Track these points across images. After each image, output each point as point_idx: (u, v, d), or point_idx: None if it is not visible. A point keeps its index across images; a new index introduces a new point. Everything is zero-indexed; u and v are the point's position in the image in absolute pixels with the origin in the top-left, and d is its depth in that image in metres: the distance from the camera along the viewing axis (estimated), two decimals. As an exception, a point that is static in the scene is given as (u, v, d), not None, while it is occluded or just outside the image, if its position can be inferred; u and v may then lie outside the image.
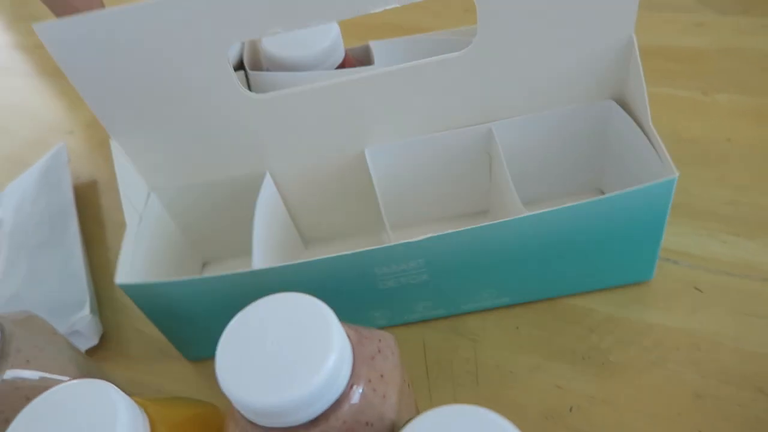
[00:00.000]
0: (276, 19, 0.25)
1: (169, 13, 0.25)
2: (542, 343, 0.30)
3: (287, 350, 0.19)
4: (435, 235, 0.26)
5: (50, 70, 0.62)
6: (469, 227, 0.26)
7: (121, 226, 0.43)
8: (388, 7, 0.25)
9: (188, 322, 0.30)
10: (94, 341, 0.34)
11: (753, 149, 0.36)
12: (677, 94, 0.40)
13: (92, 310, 0.34)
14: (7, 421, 0.23)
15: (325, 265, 0.26)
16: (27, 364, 0.24)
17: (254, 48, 0.36)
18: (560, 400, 0.28)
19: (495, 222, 0.26)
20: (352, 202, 0.34)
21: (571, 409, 0.28)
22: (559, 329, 0.31)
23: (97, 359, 0.34)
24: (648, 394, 0.27)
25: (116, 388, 0.19)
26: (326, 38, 0.33)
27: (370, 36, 0.37)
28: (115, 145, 0.30)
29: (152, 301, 0.28)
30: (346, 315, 0.21)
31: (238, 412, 0.20)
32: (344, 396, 0.19)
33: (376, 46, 0.36)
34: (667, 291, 0.31)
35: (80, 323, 0.33)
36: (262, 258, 0.29)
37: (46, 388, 0.19)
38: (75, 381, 0.19)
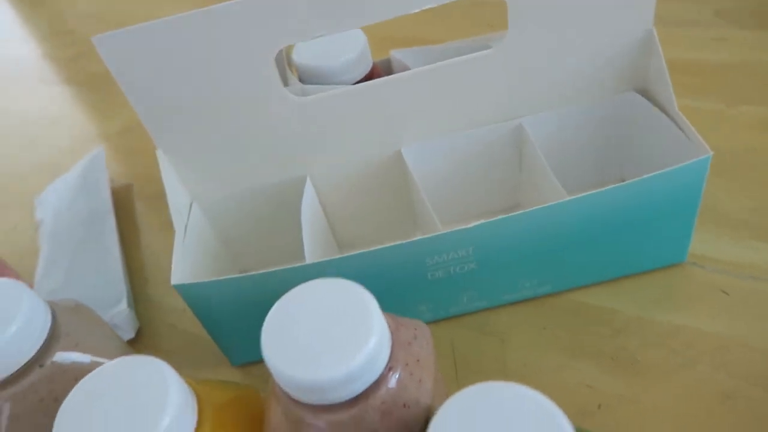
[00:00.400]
0: (321, 22, 0.26)
1: (216, 21, 0.26)
2: (569, 343, 0.31)
3: (330, 331, 0.20)
4: (486, 221, 0.27)
5: (85, 81, 0.65)
6: (518, 212, 0.27)
7: (154, 228, 0.44)
8: (425, 8, 0.26)
9: (238, 322, 0.30)
10: (131, 334, 0.35)
11: (778, 159, 0.37)
12: (700, 107, 0.41)
13: (129, 305, 0.36)
14: (57, 401, 0.24)
15: (380, 255, 0.27)
16: (76, 347, 0.25)
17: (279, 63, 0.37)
18: (589, 398, 0.28)
19: (543, 206, 0.27)
20: (387, 202, 0.35)
21: (599, 407, 0.28)
22: (586, 330, 0.31)
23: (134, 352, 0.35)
24: (677, 395, 0.28)
25: (167, 364, 0.20)
26: (355, 48, 0.34)
27: (388, 49, 0.39)
28: (160, 155, 0.31)
29: (205, 302, 0.29)
30: (394, 310, 0.22)
31: (282, 390, 0.20)
32: (383, 378, 0.20)
33: (398, 55, 0.37)
34: (693, 294, 0.31)
35: (118, 317, 0.34)
36: (312, 255, 0.30)
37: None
38: (128, 357, 0.20)
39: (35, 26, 0.81)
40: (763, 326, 0.29)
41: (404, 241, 0.27)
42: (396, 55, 0.37)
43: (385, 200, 0.35)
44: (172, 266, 0.28)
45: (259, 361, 0.24)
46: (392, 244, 0.27)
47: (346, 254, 0.27)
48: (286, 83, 0.36)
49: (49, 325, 0.24)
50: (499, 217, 0.27)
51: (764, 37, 0.45)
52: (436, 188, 0.35)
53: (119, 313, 0.35)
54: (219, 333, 0.31)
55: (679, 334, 0.30)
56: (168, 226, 0.30)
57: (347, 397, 0.20)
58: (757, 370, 0.28)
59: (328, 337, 0.19)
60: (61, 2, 0.84)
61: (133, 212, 0.46)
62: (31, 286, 0.38)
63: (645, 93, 0.31)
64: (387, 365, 0.20)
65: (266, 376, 0.21)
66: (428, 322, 0.30)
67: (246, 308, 0.29)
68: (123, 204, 0.47)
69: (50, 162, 0.54)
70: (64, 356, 0.24)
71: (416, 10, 0.26)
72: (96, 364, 0.25)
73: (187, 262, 0.30)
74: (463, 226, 0.27)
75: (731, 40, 0.46)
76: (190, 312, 0.30)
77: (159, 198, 0.32)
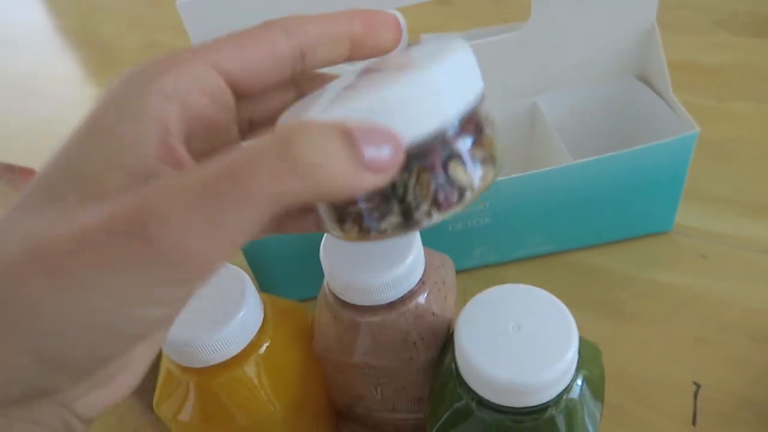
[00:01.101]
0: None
1: None
2: (567, 295, 0.35)
3: (378, 249, 0.24)
4: (503, 178, 0.31)
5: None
6: (534, 171, 0.31)
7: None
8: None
9: (285, 264, 0.35)
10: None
11: (761, 147, 0.41)
12: (696, 102, 0.46)
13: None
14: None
15: None
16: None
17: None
18: (581, 337, 0.33)
19: (551, 168, 0.31)
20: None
21: (590, 345, 0.33)
22: (583, 284, 0.36)
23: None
24: (656, 337, 0.32)
25: (244, 273, 0.25)
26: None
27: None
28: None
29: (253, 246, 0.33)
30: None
31: (332, 294, 0.25)
32: (418, 288, 0.25)
33: (428, 39, 0.42)
34: (677, 257, 0.36)
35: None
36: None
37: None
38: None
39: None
40: (734, 285, 0.34)
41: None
42: (426, 38, 0.42)
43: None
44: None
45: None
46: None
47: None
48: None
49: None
50: (515, 175, 0.31)
51: (757, 44, 0.50)
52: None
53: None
54: (263, 271, 0.36)
55: (662, 289, 0.35)
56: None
57: (388, 301, 0.24)
58: (725, 320, 0.32)
59: (376, 252, 0.24)
60: None
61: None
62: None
63: (645, 79, 0.36)
64: (421, 279, 0.25)
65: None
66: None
67: (293, 250, 0.34)
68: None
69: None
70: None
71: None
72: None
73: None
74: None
75: (727, 46, 0.50)
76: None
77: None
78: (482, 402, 0.21)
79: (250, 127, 0.20)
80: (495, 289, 0.23)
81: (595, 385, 0.22)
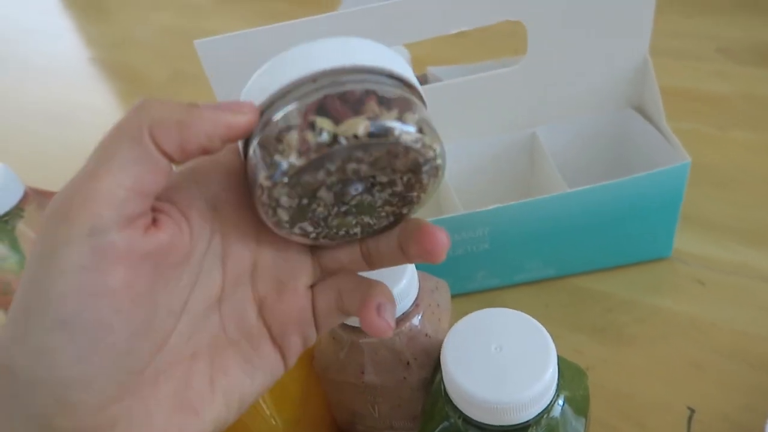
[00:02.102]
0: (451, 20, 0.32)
1: (306, 32, 0.32)
2: (567, 318, 0.36)
3: (373, 275, 0.26)
4: (501, 205, 0.33)
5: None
6: (529, 199, 0.33)
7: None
8: (461, 29, 0.32)
9: None
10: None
11: (760, 176, 0.42)
12: (696, 129, 0.47)
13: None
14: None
15: None
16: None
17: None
18: (579, 360, 0.34)
19: (548, 195, 0.33)
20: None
21: (587, 369, 0.33)
22: (583, 308, 0.37)
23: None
24: (654, 362, 0.33)
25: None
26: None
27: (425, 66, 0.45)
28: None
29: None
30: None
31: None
32: (412, 311, 0.26)
33: (433, 71, 0.44)
34: (676, 283, 0.37)
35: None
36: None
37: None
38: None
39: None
40: (730, 311, 0.35)
41: (430, 219, 0.33)
42: (432, 70, 0.44)
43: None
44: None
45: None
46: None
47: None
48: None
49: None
50: (512, 203, 0.33)
51: (760, 73, 0.50)
52: (458, 186, 0.41)
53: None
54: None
55: (660, 314, 0.35)
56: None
57: (383, 322, 0.26)
58: (721, 346, 0.33)
59: (371, 274, 0.26)
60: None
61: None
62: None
63: (640, 110, 0.37)
64: (415, 302, 0.26)
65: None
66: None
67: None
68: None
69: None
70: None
71: (453, 31, 0.32)
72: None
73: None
74: (481, 209, 0.33)
75: (729, 74, 0.51)
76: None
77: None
78: (468, 420, 0.22)
79: None
80: (479, 313, 0.24)
81: (578, 404, 0.23)
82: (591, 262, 0.38)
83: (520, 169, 0.41)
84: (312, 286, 0.21)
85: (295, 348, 0.21)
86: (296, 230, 0.19)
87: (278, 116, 0.17)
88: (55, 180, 0.40)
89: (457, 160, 0.40)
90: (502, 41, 0.62)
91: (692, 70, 0.52)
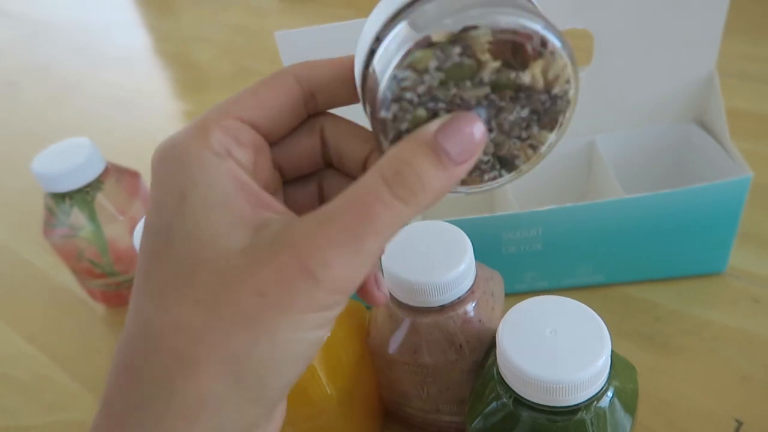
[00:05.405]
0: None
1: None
2: (614, 325, 0.36)
3: (433, 253, 0.27)
4: (556, 207, 0.33)
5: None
6: (585, 202, 0.33)
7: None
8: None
9: None
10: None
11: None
12: (760, 150, 0.46)
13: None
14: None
15: (465, 226, 0.32)
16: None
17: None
18: (624, 365, 0.34)
19: (604, 200, 0.33)
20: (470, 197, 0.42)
21: (632, 374, 0.34)
22: (630, 316, 0.37)
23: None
24: (701, 373, 0.33)
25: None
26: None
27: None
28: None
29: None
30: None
31: (390, 294, 0.28)
32: (467, 296, 0.27)
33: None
34: (727, 298, 0.37)
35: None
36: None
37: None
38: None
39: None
40: (786, 329, 0.34)
41: (486, 215, 0.34)
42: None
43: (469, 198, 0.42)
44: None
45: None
46: (476, 216, 0.34)
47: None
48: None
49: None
50: (567, 204, 0.33)
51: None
52: (513, 187, 0.42)
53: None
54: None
55: (710, 326, 0.35)
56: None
57: (440, 303, 0.27)
58: (773, 361, 0.33)
59: (432, 258, 0.27)
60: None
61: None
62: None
63: (703, 124, 0.38)
64: (471, 287, 0.27)
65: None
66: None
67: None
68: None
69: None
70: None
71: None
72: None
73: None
74: (537, 209, 0.34)
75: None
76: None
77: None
78: (519, 400, 0.23)
79: (282, 172, 0.21)
80: (536, 299, 0.25)
81: (627, 398, 0.24)
82: (642, 272, 0.38)
83: (577, 176, 0.41)
84: None
85: None
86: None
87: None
88: (121, 158, 0.43)
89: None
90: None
91: (757, 92, 0.52)
